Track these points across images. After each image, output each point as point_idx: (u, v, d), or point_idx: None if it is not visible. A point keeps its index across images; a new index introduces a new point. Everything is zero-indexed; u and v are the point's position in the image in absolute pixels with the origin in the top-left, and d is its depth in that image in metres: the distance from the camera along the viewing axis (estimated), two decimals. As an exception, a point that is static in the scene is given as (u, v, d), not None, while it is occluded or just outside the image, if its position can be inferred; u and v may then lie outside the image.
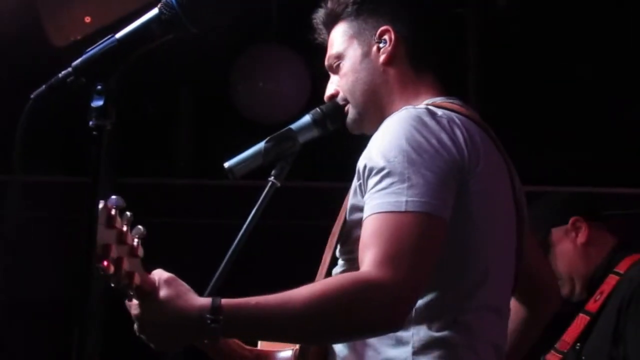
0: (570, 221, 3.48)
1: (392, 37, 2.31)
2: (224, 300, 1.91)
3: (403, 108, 2.13)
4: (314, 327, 1.94)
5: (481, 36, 5.93)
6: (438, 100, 2.23)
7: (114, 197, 1.85)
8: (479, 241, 2.09)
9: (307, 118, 2.43)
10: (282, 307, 1.90)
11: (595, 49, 5.81)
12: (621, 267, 3.36)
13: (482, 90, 5.83)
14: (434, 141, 2.02)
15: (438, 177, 1.98)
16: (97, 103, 1.71)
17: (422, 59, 2.32)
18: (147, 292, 1.93)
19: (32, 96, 1.76)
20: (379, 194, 1.98)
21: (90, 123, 1.71)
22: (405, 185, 1.96)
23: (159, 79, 5.91)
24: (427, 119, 2.06)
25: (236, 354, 2.21)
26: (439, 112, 2.11)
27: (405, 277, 1.88)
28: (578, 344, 3.37)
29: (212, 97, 6.17)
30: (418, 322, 2.04)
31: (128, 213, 1.89)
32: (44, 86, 1.77)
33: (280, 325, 1.94)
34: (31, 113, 1.77)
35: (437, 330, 2.04)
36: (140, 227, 1.93)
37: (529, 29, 5.81)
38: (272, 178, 2.38)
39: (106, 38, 1.76)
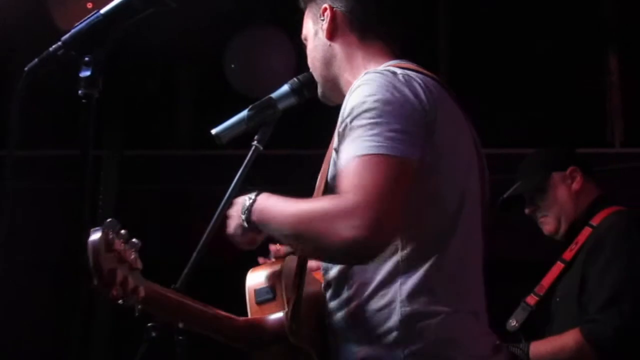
0: (569, 169, 3.56)
1: (329, 13, 2.29)
2: (260, 197, 2.10)
3: (364, 72, 2.10)
4: (298, 237, 1.98)
5: (451, 7, 5.91)
6: (393, 62, 2.19)
7: (109, 220, 1.84)
8: (446, 188, 2.05)
9: (285, 87, 2.45)
10: (282, 213, 2.02)
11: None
12: (595, 220, 3.45)
13: (452, 57, 5.81)
14: (398, 95, 1.99)
15: (408, 123, 1.96)
16: (85, 73, 1.69)
17: (365, 29, 2.28)
18: None
19: (25, 69, 1.73)
20: (356, 138, 1.95)
21: (79, 92, 1.68)
22: (377, 130, 1.93)
23: (159, 60, 5.89)
24: (390, 78, 2.04)
25: (230, 326, 2.13)
26: (398, 70, 2.08)
27: (375, 200, 1.84)
28: (555, 287, 3.46)
29: (210, 75, 6.14)
30: (404, 272, 2.00)
31: (123, 231, 1.89)
32: (36, 59, 1.73)
33: (280, 229, 2.04)
34: (25, 86, 1.73)
35: (421, 279, 2.00)
36: (135, 240, 1.93)
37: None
38: (255, 142, 2.40)
39: (92, 13, 1.73)
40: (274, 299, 2.15)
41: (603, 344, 3.15)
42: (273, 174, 3.91)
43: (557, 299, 3.43)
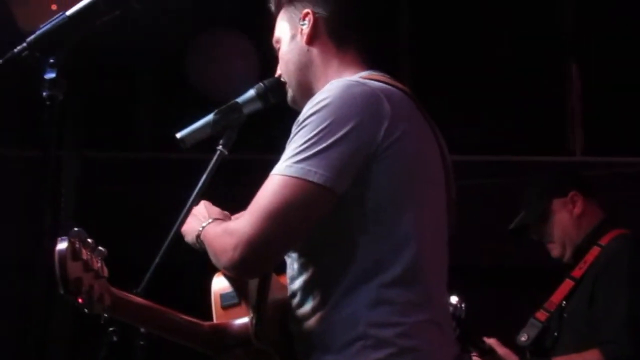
0: (570, 194, 3.62)
1: (311, 18, 2.28)
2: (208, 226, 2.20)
3: (331, 81, 2.11)
4: (209, 252, 2.15)
5: (412, 12, 5.93)
6: (364, 73, 2.20)
7: (75, 229, 1.86)
8: (403, 205, 2.05)
9: (251, 92, 2.43)
10: (210, 235, 2.17)
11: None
12: (604, 240, 3.52)
13: (412, 62, 5.84)
14: (353, 112, 2.01)
15: (349, 146, 1.99)
16: (50, 75, 1.67)
17: (343, 36, 2.29)
18: None
19: (-12, 70, 1.71)
20: (286, 155, 2.02)
21: (44, 94, 1.67)
22: (307, 153, 1.98)
23: (120, 62, 5.85)
24: (353, 90, 2.05)
25: (195, 331, 2.14)
26: (367, 82, 2.09)
27: (259, 227, 1.97)
28: (564, 303, 3.53)
29: (171, 78, 6.10)
30: (364, 282, 2.01)
31: (90, 240, 1.90)
32: (0, 60, 1.72)
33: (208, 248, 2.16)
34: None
35: (380, 290, 2.01)
36: (101, 248, 1.95)
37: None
38: (220, 147, 2.38)
39: (58, 15, 1.72)
40: (239, 303, 2.15)
41: None
42: (236, 178, 3.90)
43: (566, 315, 3.50)
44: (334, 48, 2.28)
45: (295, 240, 2.05)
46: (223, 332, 2.12)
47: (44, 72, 1.68)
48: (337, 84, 2.09)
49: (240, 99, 2.42)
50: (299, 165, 1.98)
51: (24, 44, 1.73)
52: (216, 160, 2.36)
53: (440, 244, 2.17)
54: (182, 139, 2.42)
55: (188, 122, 2.46)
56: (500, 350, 3.36)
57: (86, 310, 1.90)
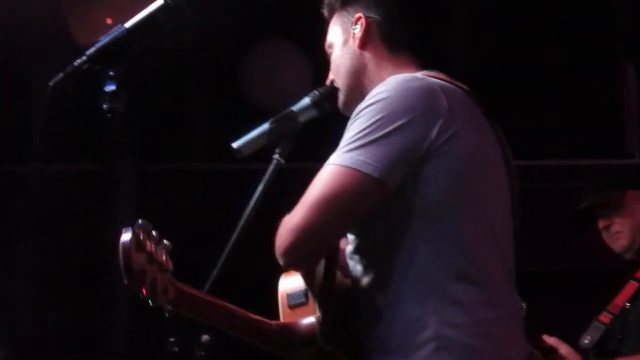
0: None
1: (364, 22, 2.29)
2: None
3: (390, 77, 2.12)
4: None
5: (466, 14, 5.91)
6: (422, 72, 2.19)
7: (140, 221, 1.86)
8: (460, 202, 2.04)
9: (306, 100, 2.44)
10: None
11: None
12: None
13: (469, 65, 5.81)
14: (408, 106, 2.01)
15: (404, 140, 1.99)
16: (110, 87, 1.69)
17: (395, 40, 2.29)
18: None
19: (50, 84, 1.74)
20: (342, 147, 2.02)
21: (104, 106, 1.68)
22: (361, 141, 1.99)
23: (175, 75, 5.91)
24: (411, 84, 2.06)
25: (262, 329, 2.13)
26: (425, 78, 2.10)
27: (304, 219, 1.98)
28: (627, 305, 3.50)
29: (225, 89, 6.14)
30: (431, 283, 2.00)
31: (154, 232, 1.91)
32: (61, 74, 1.74)
33: None
34: (50, 100, 1.74)
35: (449, 289, 2.00)
36: (166, 241, 1.95)
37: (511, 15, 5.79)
38: (276, 156, 2.39)
39: (116, 27, 1.74)
40: (306, 302, 2.15)
41: None
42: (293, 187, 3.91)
43: (631, 318, 3.46)
44: (387, 51, 2.28)
45: (342, 228, 2.06)
46: (290, 331, 2.12)
47: (104, 85, 1.69)
48: (396, 78, 2.09)
49: (295, 107, 2.44)
50: (349, 155, 1.98)
51: (84, 57, 1.75)
52: (273, 169, 2.37)
53: (503, 243, 2.13)
54: (239, 148, 2.44)
55: (243, 133, 2.47)
56: (563, 349, 3.31)
57: (150, 303, 1.90)
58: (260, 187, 2.34)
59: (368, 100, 2.04)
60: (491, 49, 5.95)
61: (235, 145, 2.44)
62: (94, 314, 1.72)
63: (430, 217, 2.01)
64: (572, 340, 3.44)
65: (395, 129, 1.98)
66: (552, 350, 3.30)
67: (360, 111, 2.04)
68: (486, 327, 1.99)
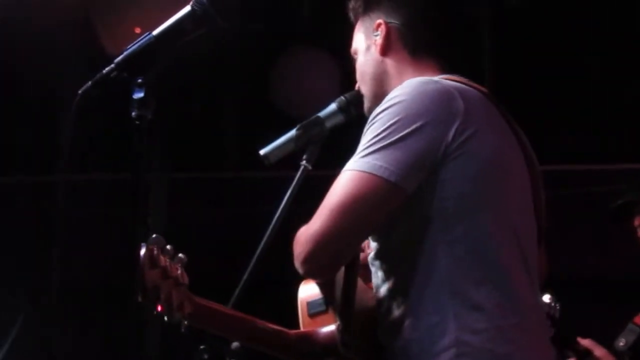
0: None
1: (384, 28, 2.29)
2: None
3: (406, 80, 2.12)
4: None
5: (494, 22, 5.89)
6: (442, 76, 2.19)
7: (153, 236, 1.88)
8: (479, 205, 2.03)
9: (333, 105, 2.45)
10: None
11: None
12: None
13: (496, 75, 5.79)
14: (424, 109, 2.01)
15: (419, 144, 1.98)
16: (138, 95, 1.71)
17: (417, 45, 2.28)
18: None
19: (79, 92, 1.76)
20: (358, 152, 2.02)
21: (133, 114, 1.70)
22: (377, 146, 1.98)
23: (206, 83, 5.94)
24: (426, 87, 2.05)
25: (282, 340, 2.14)
26: (441, 81, 2.09)
27: (323, 227, 1.97)
28: None
29: (256, 96, 6.17)
30: (451, 289, 1.99)
31: (168, 247, 1.92)
32: (89, 82, 1.76)
33: None
34: (79, 108, 1.76)
35: (468, 295, 1.98)
36: (181, 255, 1.96)
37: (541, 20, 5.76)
38: (304, 162, 2.41)
39: (144, 35, 1.76)
40: (326, 311, 2.15)
41: None
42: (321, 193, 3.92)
43: None
44: (409, 57, 2.28)
45: (362, 234, 2.05)
46: (310, 341, 2.12)
47: (133, 92, 1.71)
48: (411, 81, 2.09)
49: (322, 113, 2.45)
50: (366, 160, 1.98)
51: (112, 65, 1.77)
52: (300, 175, 2.38)
53: (525, 246, 2.11)
54: (266, 155, 2.46)
55: (273, 141, 2.48)
56: (597, 351, 3.28)
57: (166, 319, 1.91)
58: (288, 194, 2.35)
59: (384, 104, 2.05)
60: (520, 50, 5.91)
61: (262, 152, 2.46)
62: (124, 322, 1.72)
63: (449, 220, 2.00)
64: (607, 342, 3.42)
65: (411, 132, 1.98)
66: (587, 353, 3.28)
67: (376, 115, 2.04)
68: (508, 333, 1.98)
